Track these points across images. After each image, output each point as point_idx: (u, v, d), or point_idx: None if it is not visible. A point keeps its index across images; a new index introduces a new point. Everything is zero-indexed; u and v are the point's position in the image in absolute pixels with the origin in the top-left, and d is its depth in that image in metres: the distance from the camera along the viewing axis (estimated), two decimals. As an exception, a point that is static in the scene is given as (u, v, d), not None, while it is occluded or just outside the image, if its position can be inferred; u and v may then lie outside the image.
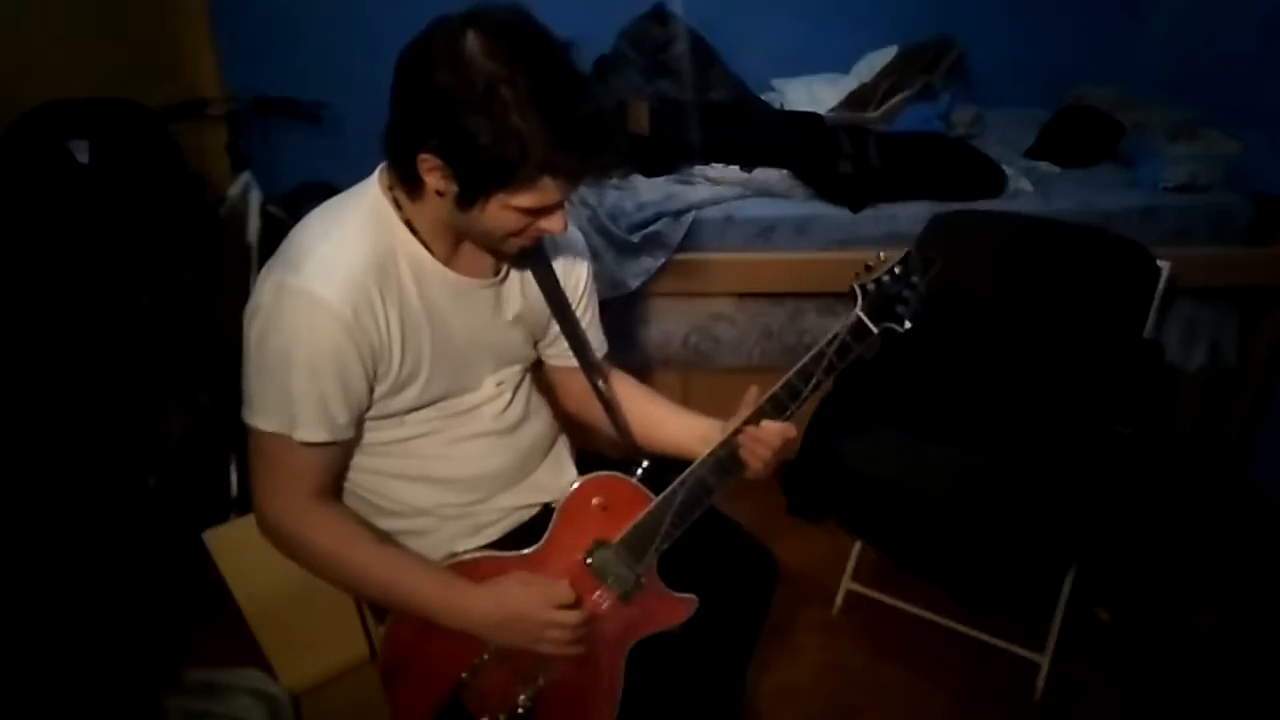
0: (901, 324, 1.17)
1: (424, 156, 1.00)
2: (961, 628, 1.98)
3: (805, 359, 1.16)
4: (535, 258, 1.25)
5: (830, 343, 1.15)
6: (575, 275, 1.32)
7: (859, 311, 1.16)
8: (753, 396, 1.19)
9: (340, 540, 1.14)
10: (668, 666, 1.33)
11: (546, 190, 1.02)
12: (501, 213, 1.04)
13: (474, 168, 0.99)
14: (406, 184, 1.09)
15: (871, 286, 1.16)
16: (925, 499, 1.74)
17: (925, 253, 1.18)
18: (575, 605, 1.15)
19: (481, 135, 0.96)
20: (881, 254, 1.18)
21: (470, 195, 1.02)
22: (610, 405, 1.35)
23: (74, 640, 1.73)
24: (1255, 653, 2.04)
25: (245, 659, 1.55)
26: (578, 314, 1.32)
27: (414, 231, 1.12)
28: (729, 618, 1.38)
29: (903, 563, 2.10)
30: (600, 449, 1.43)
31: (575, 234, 1.33)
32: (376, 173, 1.14)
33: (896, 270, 1.16)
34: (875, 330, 1.16)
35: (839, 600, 2.12)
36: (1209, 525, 2.42)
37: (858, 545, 2.11)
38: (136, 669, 1.78)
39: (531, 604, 1.13)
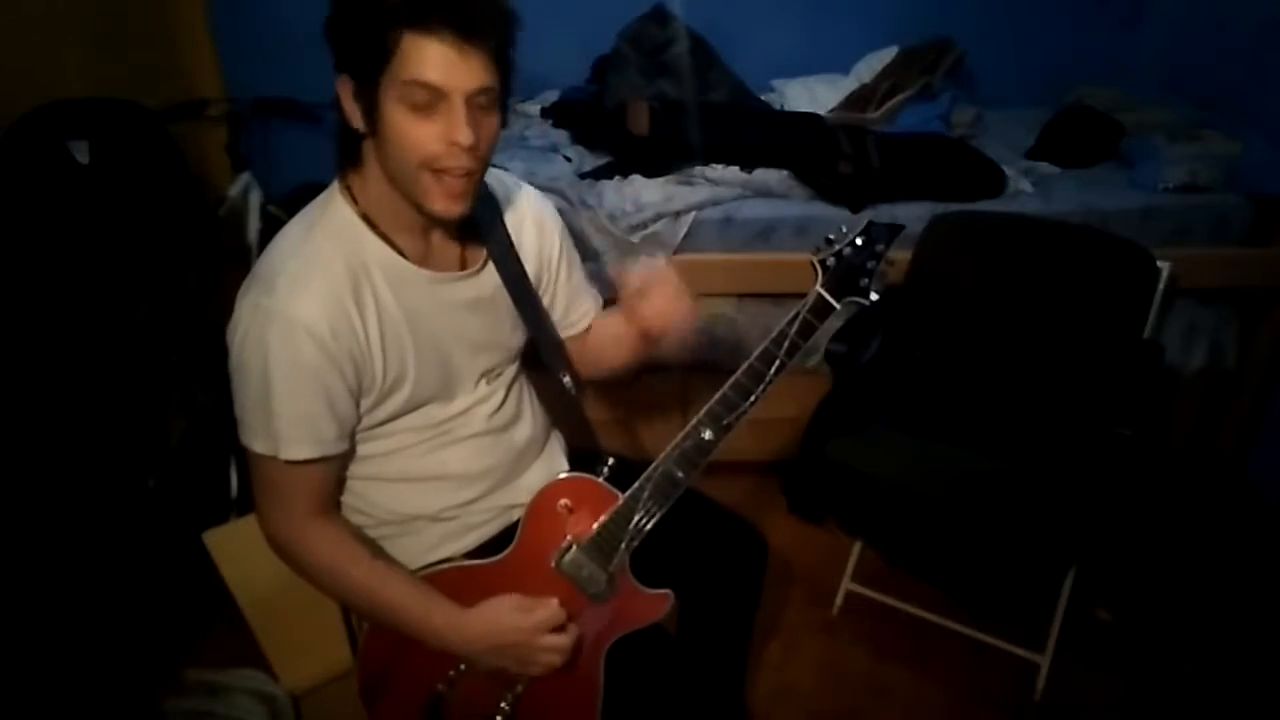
0: (866, 296, 1.13)
1: (339, 83, 1.03)
2: (961, 628, 1.98)
3: (767, 341, 1.12)
4: (496, 235, 1.23)
5: (791, 323, 1.12)
6: (549, 246, 1.31)
7: (819, 288, 1.12)
8: (665, 273, 1.21)
9: (337, 558, 1.15)
10: (667, 654, 1.33)
11: (420, 54, 0.96)
12: (399, 115, 0.99)
13: (354, 54, 1.01)
14: (349, 157, 1.09)
15: (832, 260, 1.13)
16: (925, 499, 1.73)
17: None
18: (565, 623, 1.16)
19: (343, 15, 1.00)
20: (844, 227, 1.14)
21: (368, 99, 1.01)
22: (574, 402, 1.34)
23: (75, 641, 1.74)
24: (1255, 653, 2.04)
25: (245, 659, 1.55)
26: (561, 281, 1.32)
27: (378, 230, 1.11)
28: (723, 598, 1.38)
29: (902, 563, 2.10)
30: (594, 446, 1.42)
31: (539, 199, 1.31)
32: (336, 179, 1.14)
33: (859, 241, 1.12)
34: (838, 305, 1.13)
35: (839, 600, 2.11)
36: (1208, 526, 2.42)
37: (858, 545, 2.11)
38: (137, 669, 1.78)
39: (525, 631, 1.13)
